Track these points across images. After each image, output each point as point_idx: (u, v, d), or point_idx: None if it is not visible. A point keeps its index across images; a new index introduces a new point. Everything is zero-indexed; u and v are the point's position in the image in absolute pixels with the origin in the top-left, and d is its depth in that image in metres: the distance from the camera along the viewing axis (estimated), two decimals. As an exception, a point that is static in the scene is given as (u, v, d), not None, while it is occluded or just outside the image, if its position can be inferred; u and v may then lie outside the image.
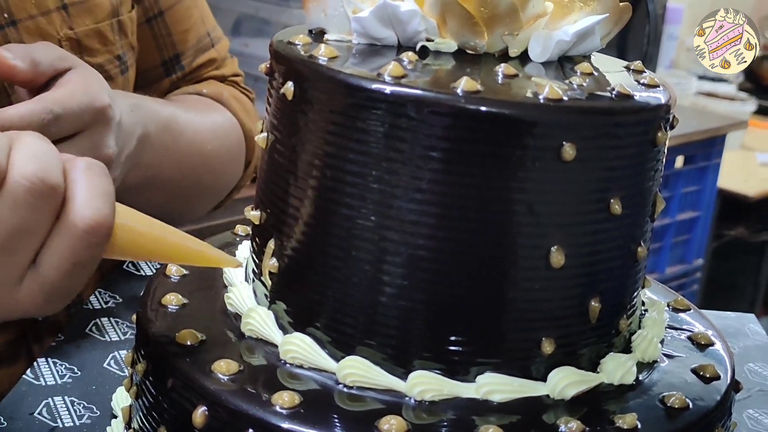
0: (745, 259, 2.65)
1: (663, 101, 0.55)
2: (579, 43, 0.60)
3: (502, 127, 0.49)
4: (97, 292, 0.84)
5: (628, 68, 0.62)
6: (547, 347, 0.52)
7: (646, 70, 0.61)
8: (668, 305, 0.67)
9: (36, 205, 0.50)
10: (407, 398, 0.51)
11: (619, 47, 2.26)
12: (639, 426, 0.50)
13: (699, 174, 2.25)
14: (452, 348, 0.52)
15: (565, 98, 0.50)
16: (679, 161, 2.21)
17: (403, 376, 0.52)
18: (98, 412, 0.68)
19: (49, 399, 0.69)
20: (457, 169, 0.50)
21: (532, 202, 0.50)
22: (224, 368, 0.53)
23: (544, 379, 0.53)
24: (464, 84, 0.49)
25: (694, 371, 0.58)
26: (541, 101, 0.50)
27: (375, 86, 0.50)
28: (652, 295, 0.67)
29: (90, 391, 0.70)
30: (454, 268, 0.51)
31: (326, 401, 0.51)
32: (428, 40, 0.58)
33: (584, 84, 0.54)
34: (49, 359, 0.74)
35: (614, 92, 0.53)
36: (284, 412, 0.49)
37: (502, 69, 0.53)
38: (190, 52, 0.98)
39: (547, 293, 0.52)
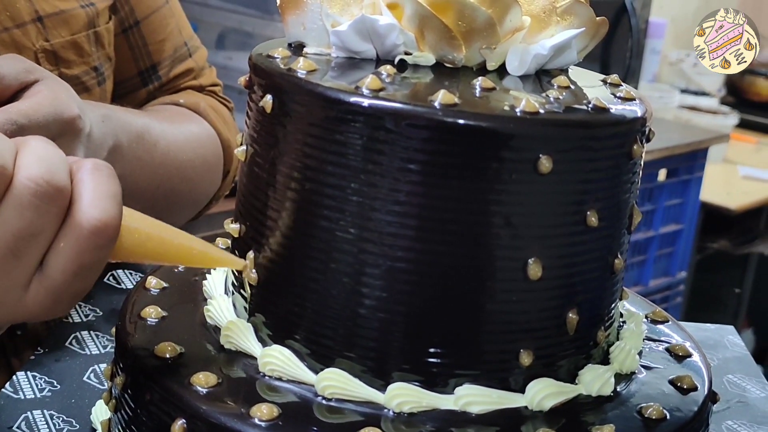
0: (728, 271, 2.67)
1: (639, 114, 0.56)
2: (556, 56, 0.61)
3: (479, 140, 0.50)
4: (77, 306, 0.83)
5: (605, 82, 0.62)
6: (525, 359, 0.52)
7: (622, 84, 0.61)
8: (646, 317, 0.68)
9: (42, 208, 0.50)
10: (386, 410, 0.52)
11: (602, 61, 2.28)
12: (616, 437, 0.50)
13: (682, 187, 2.26)
14: (431, 360, 0.52)
15: (542, 111, 0.50)
16: (662, 174, 2.22)
17: (382, 388, 0.52)
18: (77, 426, 0.68)
19: (28, 413, 0.69)
20: (435, 182, 0.50)
21: (509, 214, 0.51)
22: (203, 381, 0.53)
23: (522, 391, 0.53)
24: (442, 97, 0.50)
25: (672, 382, 0.59)
26: (518, 114, 0.50)
27: (353, 99, 0.51)
28: (631, 307, 0.67)
29: (69, 404, 0.70)
30: (433, 280, 0.52)
31: (305, 413, 0.51)
32: (406, 53, 0.59)
33: (561, 97, 0.54)
34: (28, 372, 0.74)
35: (590, 105, 0.53)
36: (263, 424, 0.49)
37: (479, 82, 0.54)
38: (167, 62, 0.97)
39: (524, 305, 0.53)
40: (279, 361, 0.54)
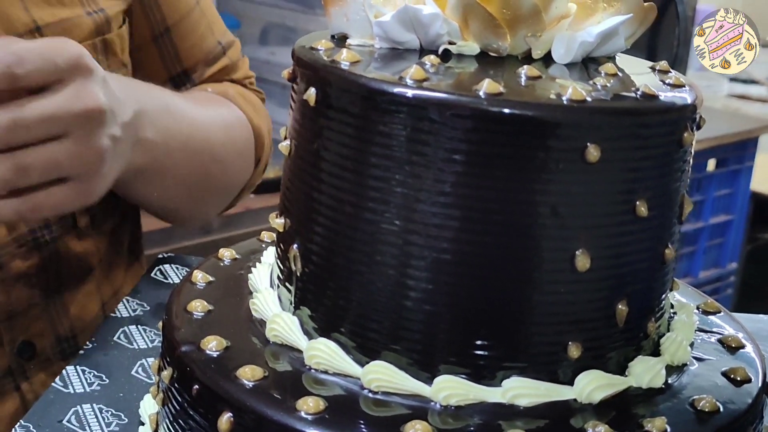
0: (780, 262, 2.61)
1: (689, 101, 0.55)
2: (603, 44, 0.60)
3: (525, 129, 0.49)
4: (124, 300, 0.84)
5: (653, 69, 0.61)
6: (574, 351, 0.52)
7: (671, 71, 0.60)
8: (698, 308, 0.67)
9: None
10: (433, 403, 0.51)
11: (649, 49, 2.24)
12: (668, 429, 0.49)
13: (731, 177, 2.22)
14: (477, 352, 0.52)
15: (589, 99, 0.50)
16: (711, 164, 2.19)
17: (429, 381, 0.52)
18: (126, 420, 0.68)
19: (78, 407, 0.70)
20: (480, 172, 0.50)
21: (556, 204, 0.50)
22: (249, 374, 0.53)
23: (571, 383, 0.52)
24: (486, 86, 0.49)
25: (725, 374, 0.58)
26: (565, 102, 0.49)
27: (397, 90, 0.50)
28: (681, 298, 0.66)
29: (118, 398, 0.70)
30: (479, 272, 0.51)
31: (351, 406, 0.51)
32: (450, 43, 0.58)
33: (608, 84, 0.53)
34: (77, 367, 0.74)
35: (639, 92, 0.52)
36: (309, 417, 0.49)
37: (524, 71, 0.53)
38: (200, 66, 0.95)
39: (572, 297, 0.52)
40: (325, 354, 0.54)
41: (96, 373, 0.74)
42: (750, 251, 2.38)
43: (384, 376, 0.52)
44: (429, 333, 0.53)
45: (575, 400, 0.52)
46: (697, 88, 0.58)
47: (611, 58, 0.61)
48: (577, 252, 0.50)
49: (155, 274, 0.90)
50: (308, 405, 0.50)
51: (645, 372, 0.54)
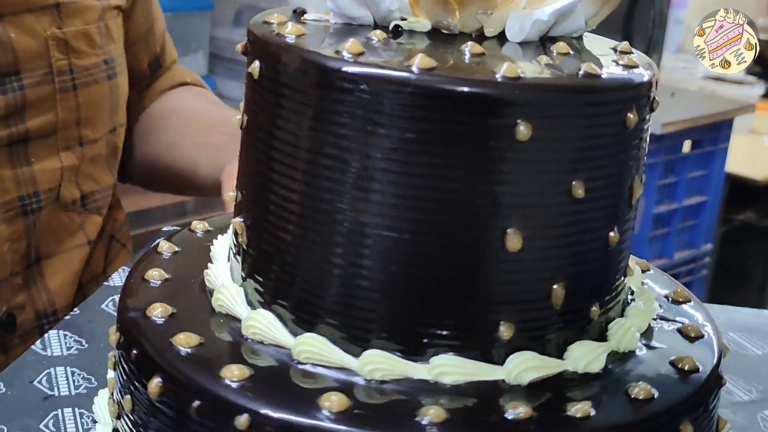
0: (754, 243, 2.54)
1: (636, 82, 0.49)
2: (560, 23, 0.54)
3: (456, 105, 0.44)
4: (121, 270, 0.81)
5: (614, 49, 0.55)
6: (506, 332, 0.47)
7: (633, 51, 0.54)
8: (667, 297, 0.60)
9: None
10: (359, 377, 0.47)
11: (624, 32, 2.15)
12: (592, 414, 0.44)
13: (706, 158, 2.13)
14: (410, 328, 0.47)
15: (523, 76, 0.44)
16: (687, 146, 2.10)
17: (358, 355, 0.47)
18: (96, 384, 0.65)
19: (52, 369, 0.66)
20: (412, 148, 0.45)
21: (488, 182, 0.45)
22: (184, 341, 0.49)
23: (503, 363, 0.47)
24: (419, 61, 0.44)
25: (672, 363, 0.52)
26: (498, 79, 0.44)
27: (331, 63, 0.45)
28: (652, 284, 0.60)
29: (92, 363, 0.67)
30: (412, 248, 0.46)
31: (279, 376, 0.47)
32: (402, 19, 0.53)
33: (553, 63, 0.48)
34: (60, 331, 0.71)
35: (581, 71, 0.47)
36: (233, 384, 0.45)
37: (468, 47, 0.48)
38: (165, 47, 0.97)
39: (505, 276, 0.47)
40: (261, 324, 0.49)
41: (77, 338, 0.70)
42: (724, 233, 2.31)
43: (313, 348, 0.47)
44: (362, 308, 0.48)
45: (503, 381, 0.47)
46: (655, 70, 0.52)
47: (579, 39, 0.55)
48: (508, 231, 0.45)
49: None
50: (233, 372, 0.46)
51: (583, 356, 0.49)
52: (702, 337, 0.56)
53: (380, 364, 0.46)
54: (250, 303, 0.52)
